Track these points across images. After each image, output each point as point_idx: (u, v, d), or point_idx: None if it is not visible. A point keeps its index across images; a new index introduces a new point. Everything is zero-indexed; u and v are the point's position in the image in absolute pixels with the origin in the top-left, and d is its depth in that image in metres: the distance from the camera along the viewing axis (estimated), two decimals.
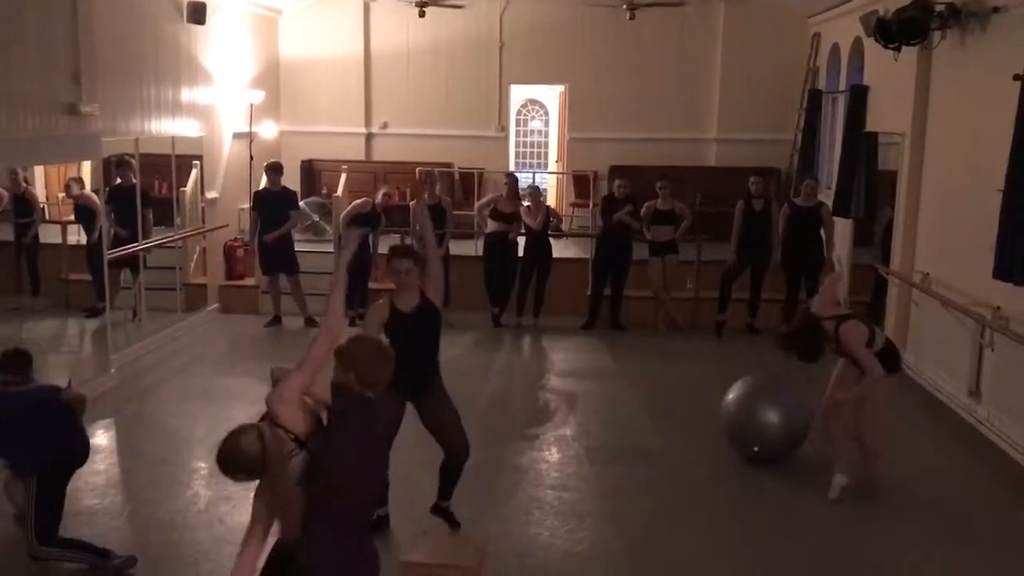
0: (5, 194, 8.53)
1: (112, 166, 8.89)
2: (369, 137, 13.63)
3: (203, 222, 10.47)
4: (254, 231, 9.99)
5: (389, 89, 13.46)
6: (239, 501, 5.38)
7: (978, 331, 7.15)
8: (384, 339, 4.56)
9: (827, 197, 10.13)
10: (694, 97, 13.12)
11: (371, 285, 10.39)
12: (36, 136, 6.95)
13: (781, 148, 12.49)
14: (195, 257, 10.58)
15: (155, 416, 7.37)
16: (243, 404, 7.52)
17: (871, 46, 9.10)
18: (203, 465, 6.39)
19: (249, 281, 10.84)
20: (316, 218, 12.31)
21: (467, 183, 13.09)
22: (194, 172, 10.30)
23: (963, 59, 7.67)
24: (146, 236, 9.15)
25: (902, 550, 5.24)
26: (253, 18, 12.12)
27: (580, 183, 13.30)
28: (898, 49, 8.19)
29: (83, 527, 5.23)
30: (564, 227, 11.64)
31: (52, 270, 9.40)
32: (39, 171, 9.40)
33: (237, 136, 11.34)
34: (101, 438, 6.79)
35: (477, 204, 10.85)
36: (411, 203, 10.55)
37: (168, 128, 9.55)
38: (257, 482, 3.32)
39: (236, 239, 11.03)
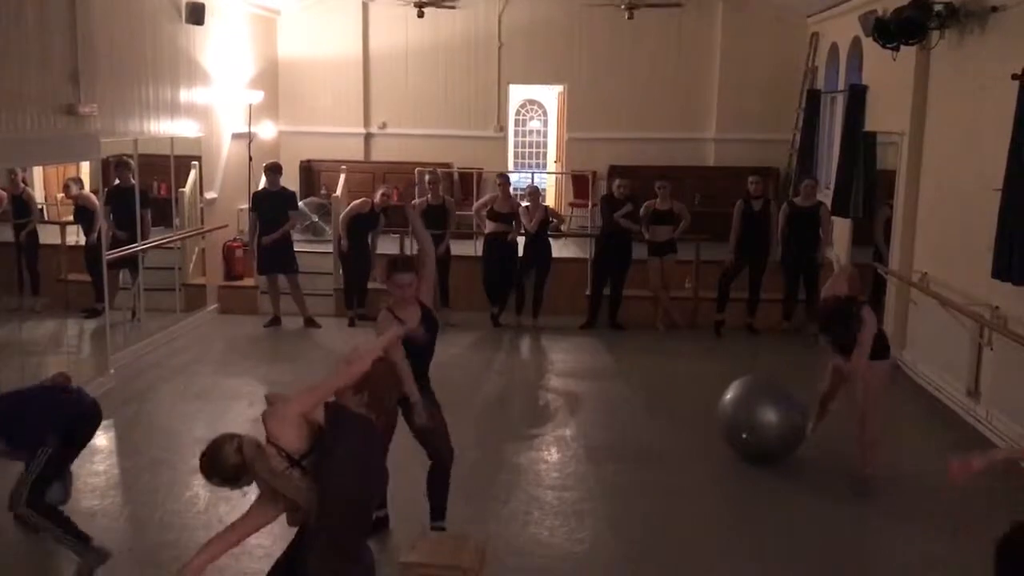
0: (4, 195, 8.52)
1: (111, 167, 8.88)
2: (368, 137, 13.63)
3: (202, 223, 10.46)
4: (253, 231, 9.99)
5: (388, 89, 13.46)
6: (239, 502, 5.36)
7: (977, 330, 7.16)
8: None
9: (826, 197, 10.14)
10: (693, 97, 13.12)
11: (370, 285, 10.43)
12: (34, 137, 6.94)
13: (780, 148, 12.50)
14: (194, 258, 10.58)
15: (154, 417, 7.37)
16: (242, 405, 7.53)
17: (870, 46, 9.11)
18: None
19: (248, 282, 10.84)
20: (315, 218, 12.30)
21: (466, 183, 13.10)
22: (193, 173, 10.30)
23: (961, 59, 7.67)
24: (145, 237, 9.15)
25: (901, 550, 5.24)
26: (252, 18, 12.12)
27: (579, 183, 13.30)
28: (896, 49, 8.20)
29: (82, 527, 5.22)
30: (564, 227, 11.62)
31: (51, 271, 9.38)
32: (38, 172, 9.37)
33: (236, 136, 11.34)
34: (100, 439, 6.78)
35: (475, 205, 10.85)
36: (414, 202, 10.55)
37: (167, 129, 9.56)
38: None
39: (235, 240, 11.02)
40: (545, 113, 17.18)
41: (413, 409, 4.78)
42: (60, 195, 9.60)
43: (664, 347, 9.74)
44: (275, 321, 10.12)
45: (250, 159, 11.40)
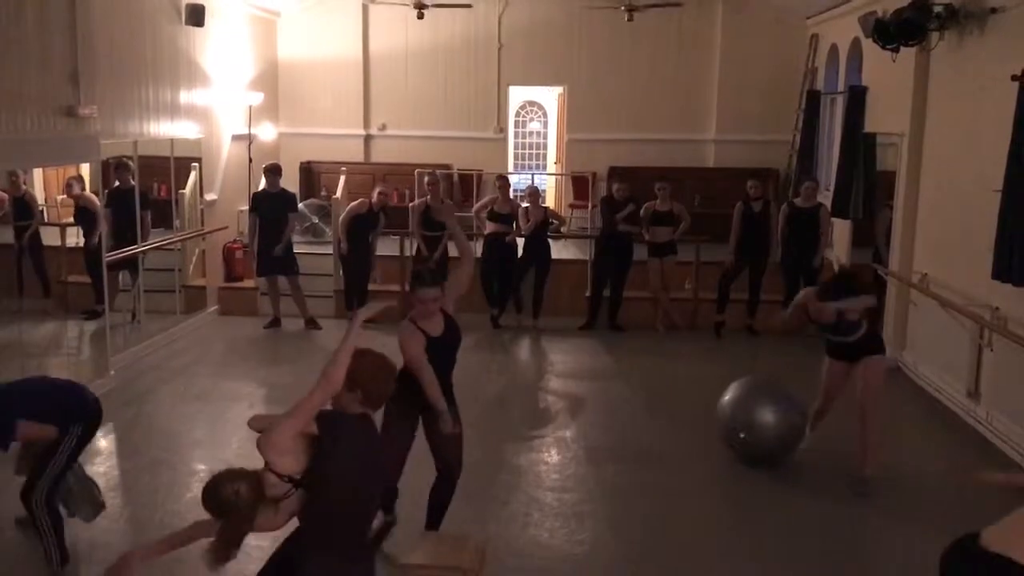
0: (5, 197, 8.51)
1: (111, 168, 8.88)
2: (368, 139, 13.63)
3: (202, 224, 10.46)
4: (252, 233, 10.00)
5: (388, 91, 13.47)
6: None
7: (977, 331, 7.16)
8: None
9: (826, 198, 10.14)
10: (692, 98, 13.13)
11: (371, 287, 10.44)
12: (34, 138, 6.94)
13: (779, 149, 12.50)
14: (194, 259, 10.58)
15: (154, 418, 7.37)
16: (242, 406, 7.53)
17: (869, 47, 9.11)
18: (202, 467, 6.38)
19: (248, 283, 10.84)
20: (315, 220, 12.31)
21: (466, 184, 13.10)
22: (193, 174, 10.30)
23: (961, 60, 7.68)
24: (144, 238, 9.16)
25: (901, 550, 5.24)
26: (252, 20, 12.13)
27: (579, 184, 13.31)
28: (896, 50, 8.20)
29: (81, 530, 5.22)
30: (564, 229, 11.62)
31: (51, 272, 9.38)
32: (37, 174, 9.37)
33: (236, 138, 11.34)
34: (100, 440, 6.78)
35: (475, 206, 10.86)
36: (410, 204, 10.55)
37: (167, 130, 9.56)
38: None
39: (235, 241, 11.03)
40: (545, 114, 17.18)
41: (440, 418, 4.67)
42: (60, 197, 9.59)
43: (664, 348, 9.74)
44: (275, 323, 10.12)
45: (250, 161, 11.41)
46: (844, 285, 5.84)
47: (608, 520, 5.63)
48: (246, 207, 10.68)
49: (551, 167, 16.38)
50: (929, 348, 8.19)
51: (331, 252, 10.79)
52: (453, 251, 10.36)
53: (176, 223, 10.04)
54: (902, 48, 8.16)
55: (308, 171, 13.42)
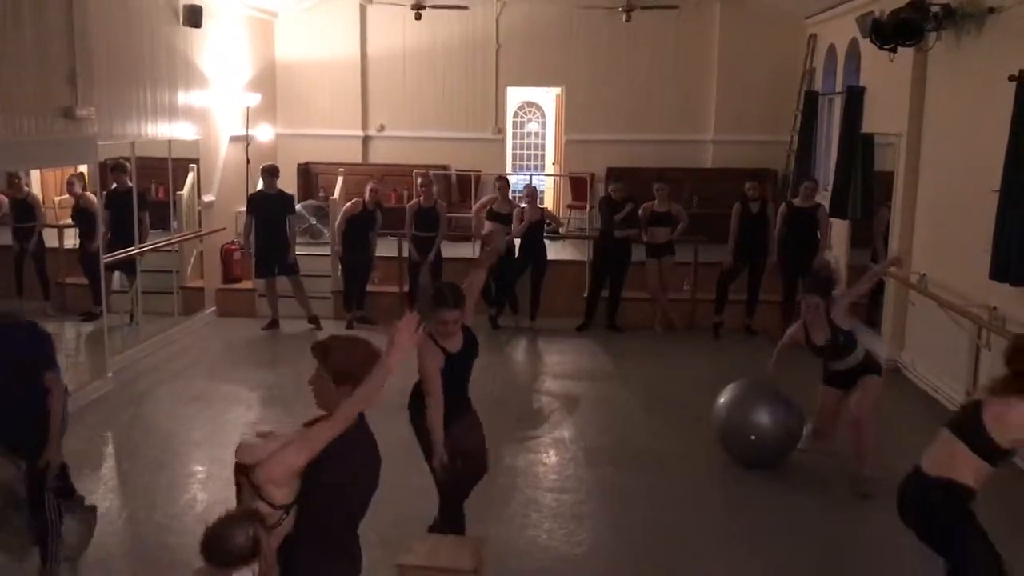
0: (3, 199, 8.50)
1: (108, 170, 8.87)
2: (366, 140, 13.62)
3: (200, 225, 10.46)
4: (248, 234, 10.00)
5: (386, 92, 13.46)
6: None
7: (975, 331, 7.16)
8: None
9: (824, 198, 10.14)
10: (690, 99, 13.12)
11: (369, 288, 10.43)
12: (32, 140, 6.94)
13: (778, 150, 12.50)
14: (192, 261, 10.57)
15: (152, 419, 7.36)
16: (240, 408, 7.53)
17: (867, 47, 9.11)
18: (200, 468, 6.39)
19: (246, 284, 10.84)
20: (313, 221, 12.30)
21: (464, 185, 13.10)
22: (191, 175, 10.30)
23: (958, 60, 7.68)
24: (142, 240, 9.15)
25: (901, 550, 5.23)
26: (249, 21, 12.12)
27: (577, 185, 13.30)
28: (894, 50, 8.20)
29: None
30: (562, 230, 11.61)
31: (50, 274, 9.37)
32: (35, 175, 9.37)
33: (233, 139, 11.33)
34: (98, 442, 6.78)
35: (474, 206, 10.85)
36: (407, 204, 10.55)
37: (164, 131, 9.55)
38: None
39: (233, 242, 11.02)
40: (543, 115, 17.19)
41: (433, 451, 4.54)
42: (58, 198, 9.59)
43: (662, 349, 9.74)
44: (273, 324, 10.11)
45: (248, 162, 11.40)
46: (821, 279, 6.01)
47: (606, 521, 5.63)
48: (243, 208, 10.69)
49: (549, 168, 16.38)
50: (927, 348, 8.19)
51: (329, 253, 10.78)
52: (453, 252, 10.38)
53: (174, 224, 10.03)
54: (900, 48, 8.16)
55: (306, 172, 13.41)
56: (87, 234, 8.59)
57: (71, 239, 9.09)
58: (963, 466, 3.81)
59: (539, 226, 10.18)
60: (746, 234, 9.81)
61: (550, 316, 10.37)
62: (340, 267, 10.46)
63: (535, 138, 17.40)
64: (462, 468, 4.73)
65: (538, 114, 17.30)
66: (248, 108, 11.49)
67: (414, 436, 4.89)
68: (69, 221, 9.07)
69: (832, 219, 9.79)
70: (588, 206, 12.54)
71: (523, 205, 10.17)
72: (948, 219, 7.90)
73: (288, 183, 11.51)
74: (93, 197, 8.44)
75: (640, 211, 10.01)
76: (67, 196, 9.19)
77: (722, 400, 6.38)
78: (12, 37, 6.69)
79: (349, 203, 10.22)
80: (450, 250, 10.53)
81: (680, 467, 6.46)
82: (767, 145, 12.56)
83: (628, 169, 12.14)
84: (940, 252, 8.05)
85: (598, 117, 13.18)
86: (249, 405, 7.58)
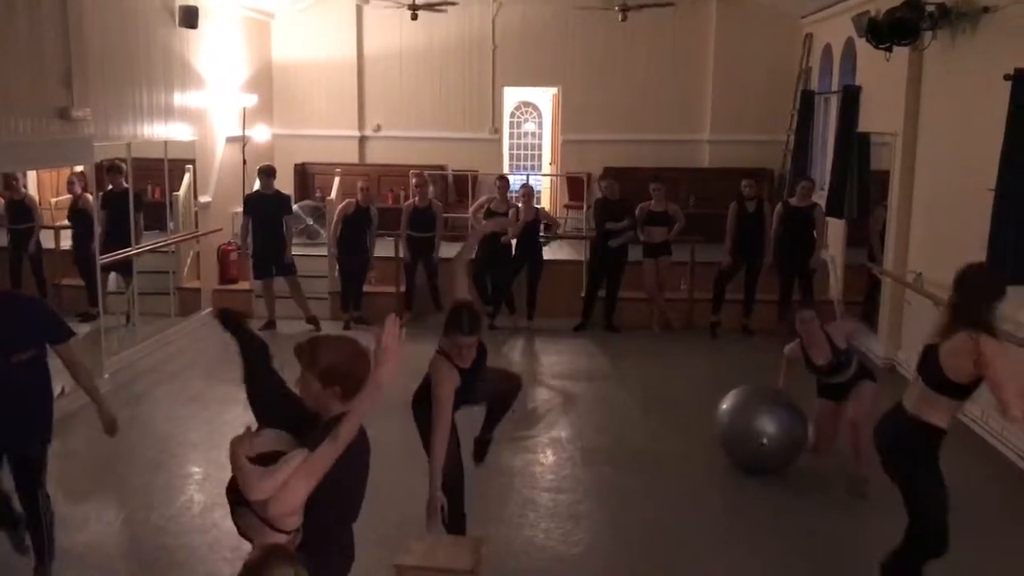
0: (0, 200, 8.48)
1: (103, 171, 8.86)
2: (363, 140, 13.62)
3: (196, 226, 10.45)
4: (245, 235, 10.00)
5: (382, 92, 13.45)
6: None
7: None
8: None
9: (820, 198, 10.15)
10: (687, 98, 13.13)
11: (366, 288, 10.43)
12: (28, 141, 6.93)
13: (774, 149, 12.51)
14: (188, 262, 10.56)
15: (149, 421, 7.35)
16: (237, 409, 7.49)
17: (863, 47, 9.12)
18: (197, 469, 6.39)
19: (243, 285, 10.83)
20: (309, 221, 12.30)
21: (461, 185, 13.10)
22: (187, 176, 10.29)
23: (954, 59, 7.69)
24: (138, 241, 9.13)
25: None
26: (245, 22, 12.11)
27: (574, 185, 13.31)
28: (889, 49, 8.22)
29: (76, 533, 5.22)
30: (559, 231, 11.59)
31: (46, 275, 9.36)
32: (32, 177, 9.36)
33: (230, 140, 11.33)
34: (95, 443, 6.77)
35: (472, 206, 10.85)
36: (404, 205, 10.54)
37: (161, 132, 9.54)
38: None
39: (230, 243, 11.01)
40: (540, 115, 17.20)
41: (428, 508, 4.39)
42: (55, 200, 9.58)
43: (659, 349, 9.74)
44: (270, 325, 10.10)
45: (244, 162, 11.40)
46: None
47: (604, 521, 5.63)
48: (240, 209, 10.68)
49: (546, 168, 16.39)
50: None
51: (326, 253, 10.78)
52: (449, 252, 10.36)
53: (170, 225, 10.02)
54: (895, 47, 8.17)
55: (303, 173, 13.40)
56: (84, 235, 8.58)
57: (67, 240, 9.09)
58: (932, 408, 4.14)
59: (535, 226, 10.18)
60: (742, 233, 9.82)
61: (547, 316, 10.37)
62: (337, 268, 10.46)
63: (532, 138, 17.42)
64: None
65: (535, 114, 17.32)
66: (244, 109, 11.49)
67: (413, 437, 4.89)
68: (66, 222, 9.07)
69: (828, 218, 9.80)
70: (585, 206, 12.55)
71: (519, 205, 10.18)
72: (944, 218, 7.91)
73: (285, 184, 11.51)
74: (90, 198, 8.44)
75: (637, 211, 10.02)
76: (64, 197, 9.19)
77: (726, 405, 6.26)
78: (7, 37, 6.68)
79: (342, 204, 10.22)
80: (447, 250, 10.51)
81: (678, 467, 6.46)
82: (763, 145, 12.58)
83: (625, 169, 12.15)
84: (936, 251, 8.06)
85: (594, 117, 13.19)
86: (246, 406, 7.54)
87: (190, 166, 10.29)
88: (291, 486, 2.91)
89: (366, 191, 10.10)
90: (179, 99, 9.95)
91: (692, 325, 10.32)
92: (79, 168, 8.48)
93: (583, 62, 13.19)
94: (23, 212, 8.53)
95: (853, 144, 9.51)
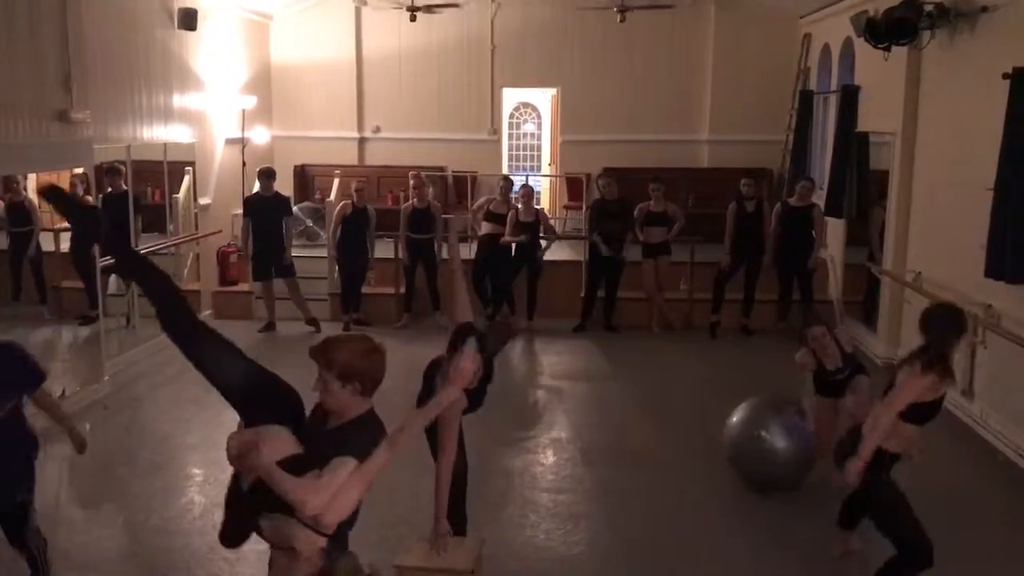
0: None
1: (103, 173, 8.86)
2: (362, 141, 13.62)
3: (196, 228, 10.45)
4: (246, 237, 10.00)
5: (381, 93, 13.46)
6: None
7: (970, 329, 7.17)
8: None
9: (819, 197, 10.16)
10: (686, 99, 13.14)
11: (365, 290, 10.43)
12: (27, 143, 6.94)
13: (773, 149, 12.51)
14: (188, 263, 10.56)
15: (149, 423, 7.36)
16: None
17: (862, 46, 9.13)
18: (197, 471, 6.39)
19: (243, 287, 10.83)
20: (309, 223, 12.30)
21: (461, 186, 13.10)
22: (186, 178, 10.28)
23: (952, 58, 7.70)
24: (137, 243, 9.12)
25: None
26: (244, 24, 12.12)
27: (573, 185, 13.31)
28: (888, 49, 8.22)
29: (76, 535, 5.22)
30: (558, 231, 11.61)
31: (46, 278, 9.36)
32: (31, 178, 9.37)
33: (229, 142, 11.33)
34: (95, 445, 6.76)
35: (472, 206, 10.86)
36: (403, 206, 10.55)
37: (160, 134, 9.55)
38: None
39: (229, 245, 11.02)
40: (539, 116, 17.21)
41: (435, 528, 4.32)
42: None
43: (659, 349, 9.74)
44: (270, 326, 10.11)
45: (244, 164, 11.40)
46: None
47: (604, 521, 5.63)
48: (240, 211, 10.68)
49: (545, 168, 16.39)
50: None
51: (325, 255, 10.78)
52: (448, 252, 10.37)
53: (170, 227, 10.01)
54: (894, 47, 8.18)
55: (302, 174, 13.40)
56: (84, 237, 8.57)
57: (65, 242, 9.08)
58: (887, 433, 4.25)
59: (535, 226, 10.18)
60: (742, 233, 9.82)
61: (547, 316, 10.37)
62: (337, 269, 10.46)
63: (531, 139, 17.42)
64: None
65: (534, 115, 17.32)
66: (244, 111, 11.49)
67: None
68: (66, 225, 9.06)
69: (828, 218, 9.81)
70: (584, 206, 12.54)
71: (519, 206, 10.18)
72: (943, 217, 7.91)
73: (284, 185, 11.51)
74: (91, 200, 8.43)
75: (636, 211, 10.03)
76: None
77: (735, 418, 6.01)
78: (7, 40, 6.69)
79: (340, 205, 10.23)
80: (446, 251, 10.52)
81: (677, 467, 6.46)
82: (763, 145, 12.57)
83: (624, 169, 12.14)
84: (935, 250, 8.06)
85: (594, 117, 13.19)
86: None
87: (189, 168, 10.28)
88: (344, 494, 2.96)
89: (360, 192, 10.11)
90: (178, 101, 9.95)
91: (692, 325, 10.32)
92: (78, 170, 8.48)
93: (582, 63, 13.19)
94: (22, 214, 8.53)
95: (852, 144, 9.52)
